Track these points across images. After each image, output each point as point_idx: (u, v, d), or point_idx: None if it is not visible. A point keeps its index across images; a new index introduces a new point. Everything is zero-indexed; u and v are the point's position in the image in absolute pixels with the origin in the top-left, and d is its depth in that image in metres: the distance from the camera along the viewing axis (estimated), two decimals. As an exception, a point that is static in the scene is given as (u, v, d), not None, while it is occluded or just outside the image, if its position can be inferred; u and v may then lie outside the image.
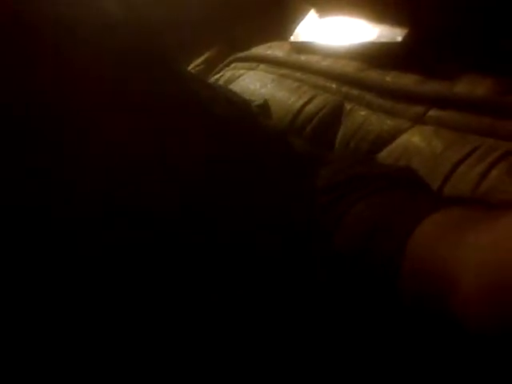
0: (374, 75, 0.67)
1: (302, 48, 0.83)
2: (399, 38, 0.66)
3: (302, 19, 0.87)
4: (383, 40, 0.69)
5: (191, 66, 1.07)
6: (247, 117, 0.57)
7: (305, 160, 0.55)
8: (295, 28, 0.87)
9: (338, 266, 0.41)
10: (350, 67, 0.71)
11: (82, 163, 0.37)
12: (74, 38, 0.40)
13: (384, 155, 0.59)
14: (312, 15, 0.86)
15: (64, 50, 0.39)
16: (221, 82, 0.91)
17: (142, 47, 0.46)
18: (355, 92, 0.67)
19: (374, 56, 0.70)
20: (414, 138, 0.57)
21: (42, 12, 0.39)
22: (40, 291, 0.34)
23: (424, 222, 0.35)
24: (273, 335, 0.39)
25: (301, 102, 0.71)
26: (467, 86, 0.57)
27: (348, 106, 0.67)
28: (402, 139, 0.58)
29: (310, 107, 0.70)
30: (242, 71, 0.90)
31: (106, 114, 0.40)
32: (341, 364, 0.39)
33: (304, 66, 0.78)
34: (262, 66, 0.87)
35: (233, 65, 0.95)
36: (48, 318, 0.34)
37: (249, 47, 0.97)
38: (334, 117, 0.67)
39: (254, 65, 0.89)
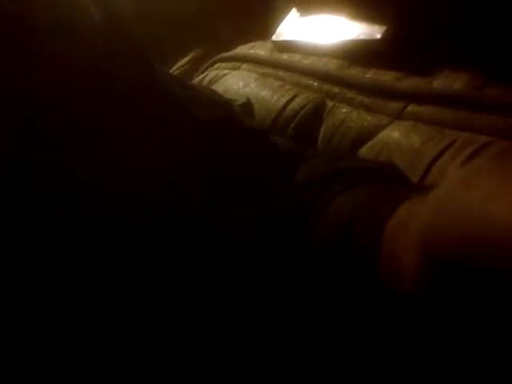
0: (354, 73, 0.68)
1: (284, 47, 0.84)
2: (378, 35, 0.67)
3: (283, 18, 0.88)
4: (363, 37, 0.70)
5: (176, 66, 1.07)
6: (229, 117, 0.57)
7: (287, 157, 0.55)
8: (277, 27, 0.87)
9: (318, 261, 0.41)
10: (331, 65, 0.72)
11: (81, 163, 0.37)
12: (70, 39, 0.40)
13: (365, 151, 0.60)
14: (293, 14, 0.86)
15: (60, 51, 0.39)
16: (205, 83, 0.92)
17: (123, 48, 0.46)
18: (336, 89, 0.68)
19: (355, 53, 0.71)
20: (394, 134, 0.58)
21: (38, 13, 0.39)
22: (39, 291, 0.34)
23: (400, 208, 0.35)
24: (266, 330, 0.39)
25: (283, 101, 0.72)
26: (445, 81, 0.58)
27: (330, 104, 0.68)
28: (382, 135, 0.59)
29: (293, 105, 0.71)
30: (225, 71, 0.90)
31: (103, 113, 0.40)
32: (330, 354, 0.40)
33: (286, 64, 0.79)
34: (245, 65, 0.88)
35: (217, 65, 0.96)
36: (47, 317, 0.34)
37: (233, 47, 0.97)
38: (316, 114, 0.68)
39: (237, 64, 0.90)
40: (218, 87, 0.86)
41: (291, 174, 0.51)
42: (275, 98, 0.74)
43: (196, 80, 0.96)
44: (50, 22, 0.40)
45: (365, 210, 0.39)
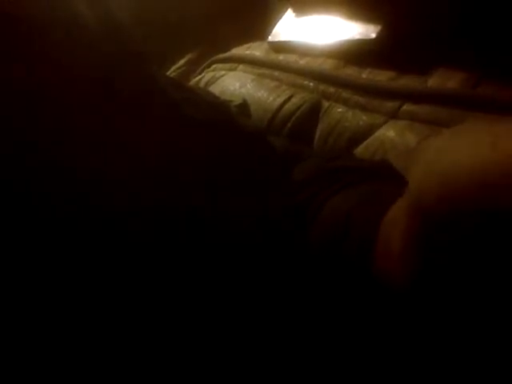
0: (350, 72, 0.69)
1: (280, 47, 0.84)
2: (373, 35, 0.68)
3: (279, 19, 0.89)
4: (358, 37, 0.70)
5: (173, 68, 1.08)
6: (226, 118, 0.58)
7: (284, 158, 0.56)
8: (273, 28, 0.88)
9: (315, 259, 0.42)
10: (326, 65, 0.73)
11: (81, 163, 0.37)
12: (70, 40, 0.40)
13: (361, 150, 0.60)
14: (289, 15, 0.87)
15: (60, 51, 0.39)
16: (202, 84, 0.92)
17: (121, 49, 0.46)
18: (332, 89, 0.68)
19: (350, 53, 0.71)
20: (389, 133, 0.58)
21: (37, 14, 0.39)
22: (39, 290, 0.34)
23: (393, 207, 0.36)
24: (265, 327, 0.39)
25: (279, 101, 0.72)
26: (439, 80, 0.59)
27: (326, 104, 0.68)
28: (378, 134, 0.59)
29: (289, 106, 0.71)
30: (222, 72, 0.91)
31: (103, 113, 0.40)
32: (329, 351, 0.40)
33: (282, 65, 0.79)
34: (241, 66, 0.88)
35: (213, 66, 0.96)
36: (47, 316, 0.34)
37: (230, 48, 0.98)
38: (312, 114, 0.69)
39: (233, 65, 0.90)
40: (215, 88, 0.86)
41: (288, 173, 0.51)
42: (271, 98, 0.74)
43: (193, 81, 0.97)
44: (49, 23, 0.40)
45: (360, 209, 0.40)
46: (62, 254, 0.35)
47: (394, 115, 0.59)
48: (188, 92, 0.61)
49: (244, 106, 0.72)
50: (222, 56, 0.96)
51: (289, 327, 0.40)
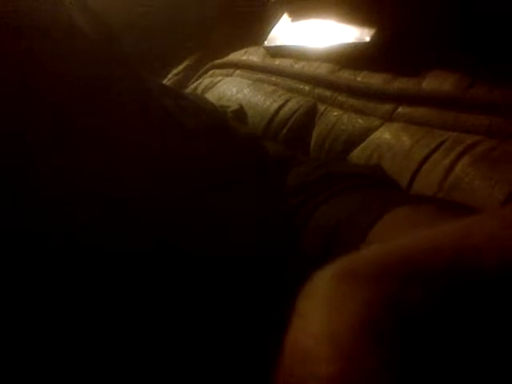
0: (345, 76, 0.69)
1: (276, 52, 0.84)
2: (367, 39, 0.68)
3: (275, 23, 0.89)
4: (353, 41, 0.70)
5: (171, 74, 1.08)
6: (219, 125, 0.58)
7: (277, 163, 0.56)
8: (269, 32, 0.88)
9: (305, 265, 0.42)
10: (322, 69, 0.73)
11: (80, 165, 0.38)
12: (69, 38, 0.41)
13: (357, 153, 0.60)
14: (285, 19, 0.87)
15: (60, 55, 0.40)
16: (199, 90, 0.92)
17: (111, 52, 0.47)
18: (328, 93, 0.69)
19: (345, 57, 0.71)
20: (385, 135, 0.58)
21: (34, 16, 0.39)
22: (41, 294, 0.34)
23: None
24: (261, 332, 0.39)
25: (276, 106, 0.73)
26: (434, 82, 0.59)
27: (321, 108, 0.68)
28: (374, 137, 0.59)
29: (285, 110, 0.71)
30: (219, 78, 0.91)
31: (102, 116, 0.40)
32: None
33: (278, 69, 0.80)
34: (238, 71, 0.88)
35: (210, 72, 0.97)
36: (49, 320, 0.34)
37: (226, 53, 0.98)
38: (308, 118, 0.69)
39: (230, 71, 0.90)
40: (213, 94, 0.86)
41: (280, 180, 0.51)
42: (268, 103, 0.74)
43: (190, 87, 0.97)
44: (47, 26, 0.40)
45: (350, 217, 0.40)
46: (62, 255, 0.35)
47: (389, 118, 0.59)
48: (182, 99, 0.62)
49: (240, 111, 0.72)
50: (219, 61, 0.97)
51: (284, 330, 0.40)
